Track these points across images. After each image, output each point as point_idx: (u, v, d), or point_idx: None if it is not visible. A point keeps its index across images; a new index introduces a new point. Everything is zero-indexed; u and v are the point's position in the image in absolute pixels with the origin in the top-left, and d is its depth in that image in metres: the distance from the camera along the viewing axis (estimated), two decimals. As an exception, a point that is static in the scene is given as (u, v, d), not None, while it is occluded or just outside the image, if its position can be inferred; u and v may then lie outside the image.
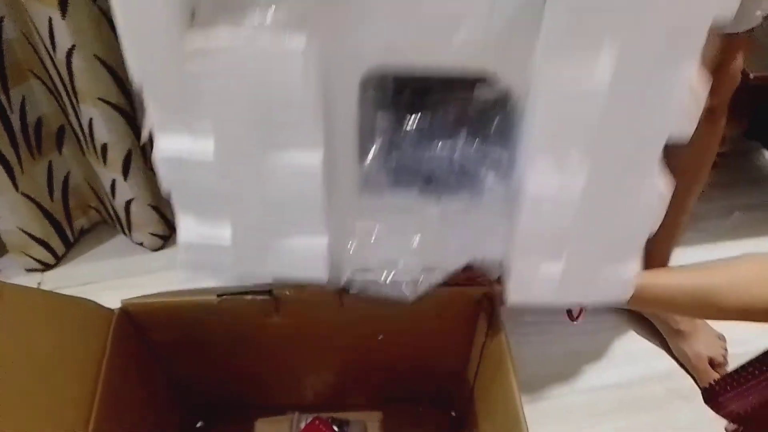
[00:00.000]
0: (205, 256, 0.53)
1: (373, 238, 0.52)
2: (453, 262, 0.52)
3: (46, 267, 1.12)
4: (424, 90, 0.50)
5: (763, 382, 0.57)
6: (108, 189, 1.05)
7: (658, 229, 0.49)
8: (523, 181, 0.47)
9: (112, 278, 1.09)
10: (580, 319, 0.62)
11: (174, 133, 0.46)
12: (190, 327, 0.68)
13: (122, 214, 1.09)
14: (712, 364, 0.89)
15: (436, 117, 0.49)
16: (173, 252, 0.52)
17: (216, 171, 0.47)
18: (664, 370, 0.92)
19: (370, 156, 0.49)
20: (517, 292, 0.53)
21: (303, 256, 0.53)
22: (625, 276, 0.52)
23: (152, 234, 1.12)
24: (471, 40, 0.43)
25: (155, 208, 1.10)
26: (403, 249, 0.51)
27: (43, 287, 1.05)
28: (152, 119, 0.46)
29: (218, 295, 0.64)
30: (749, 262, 0.56)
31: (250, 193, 0.49)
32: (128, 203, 1.06)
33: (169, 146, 0.47)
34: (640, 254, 0.52)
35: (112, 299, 0.64)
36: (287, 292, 0.65)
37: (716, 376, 0.87)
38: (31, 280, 1.08)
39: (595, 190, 0.46)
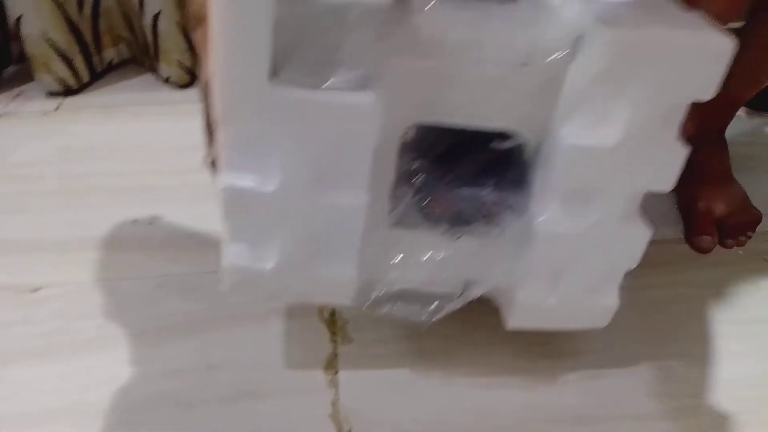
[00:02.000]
0: (246, 276, 0.57)
1: (400, 268, 0.59)
2: (469, 292, 0.60)
3: (68, 91, 1.09)
4: (454, 139, 0.58)
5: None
6: (136, 2, 1.04)
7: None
8: (536, 220, 0.56)
9: (132, 105, 1.08)
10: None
11: (240, 171, 0.52)
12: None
13: (150, 38, 1.08)
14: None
15: (462, 163, 0.58)
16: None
17: (273, 205, 0.53)
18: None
19: (405, 198, 0.57)
20: (518, 319, 0.62)
21: (334, 283, 0.59)
22: (605, 306, 0.62)
23: (179, 64, 1.11)
24: (497, 106, 0.53)
25: (184, 33, 1.09)
26: (426, 279, 0.59)
27: (61, 110, 1.06)
28: (221, 155, 0.52)
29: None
30: None
31: (299, 226, 0.55)
32: (155, 18, 1.05)
33: (235, 181, 0.52)
34: (617, 287, 0.62)
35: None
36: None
37: None
38: (50, 105, 1.08)
39: (593, 231, 0.56)
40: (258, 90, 0.47)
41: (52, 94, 1.09)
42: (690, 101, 0.52)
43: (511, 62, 0.51)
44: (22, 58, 1.10)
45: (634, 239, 0.58)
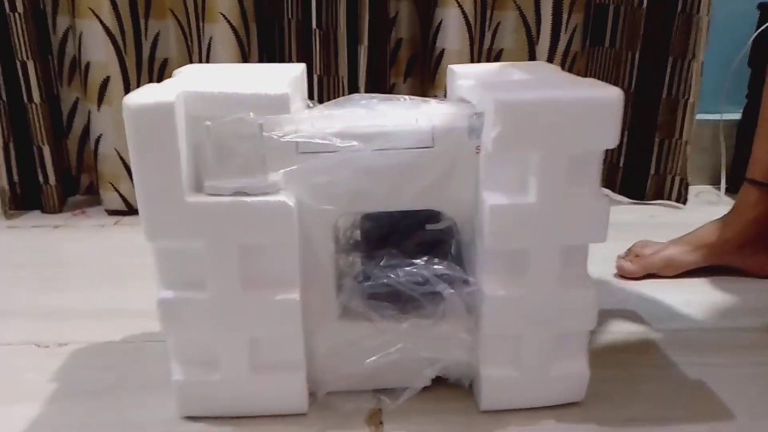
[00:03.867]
0: (196, 392, 0.58)
1: (353, 359, 0.59)
2: (427, 373, 0.59)
3: (129, 210, 1.15)
4: (389, 226, 0.60)
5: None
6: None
7: None
8: (478, 287, 0.56)
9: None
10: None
11: (174, 284, 0.55)
12: None
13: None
14: None
15: (400, 247, 0.59)
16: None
17: (210, 313, 0.54)
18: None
19: (346, 288, 0.58)
20: (489, 398, 0.59)
21: (284, 389, 0.59)
22: (576, 374, 0.60)
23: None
24: (416, 191, 0.55)
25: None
26: (381, 366, 0.58)
27: (119, 225, 1.13)
28: (157, 274, 0.55)
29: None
30: None
31: (239, 331, 0.56)
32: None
33: (170, 295, 0.54)
34: (585, 354, 0.60)
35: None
36: None
37: None
38: (109, 221, 1.14)
39: (536, 292, 0.56)
40: (178, 206, 0.51)
41: (112, 212, 1.15)
42: (596, 151, 0.53)
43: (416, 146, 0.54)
44: (90, 190, 1.20)
45: (582, 299, 0.57)
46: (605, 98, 0.50)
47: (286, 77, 0.55)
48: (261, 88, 0.51)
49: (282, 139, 0.52)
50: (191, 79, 0.55)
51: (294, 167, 0.53)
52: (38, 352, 0.73)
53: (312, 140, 0.53)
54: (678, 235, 0.91)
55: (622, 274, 0.89)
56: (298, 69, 0.60)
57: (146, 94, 0.49)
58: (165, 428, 0.59)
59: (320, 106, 0.57)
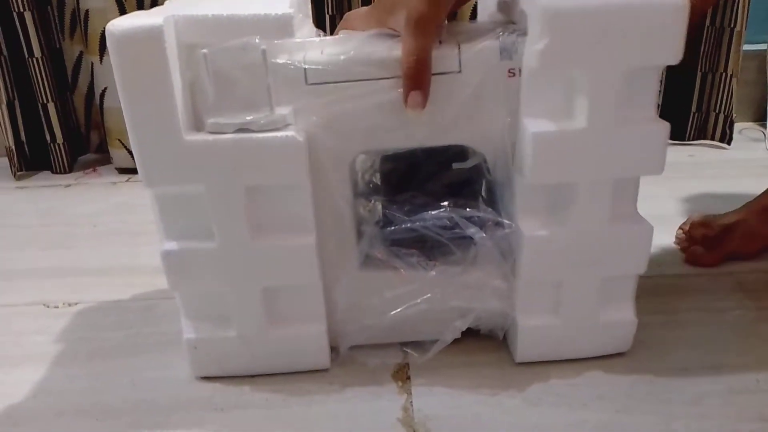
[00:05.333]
0: (209, 351, 0.54)
1: (376, 311, 0.54)
2: (457, 325, 0.54)
3: None
4: (411, 167, 0.54)
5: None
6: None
7: None
8: (517, 227, 0.50)
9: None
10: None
11: (178, 234, 0.50)
12: None
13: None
14: None
15: (424, 190, 0.53)
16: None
17: (219, 263, 0.50)
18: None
19: (366, 235, 0.53)
20: (525, 350, 0.54)
21: (304, 344, 0.54)
22: (621, 323, 0.54)
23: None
24: (441, 124, 0.49)
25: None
26: (408, 318, 0.54)
27: (130, 183, 1.09)
28: (159, 224, 0.50)
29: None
30: None
31: (251, 281, 0.51)
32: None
33: (174, 247, 0.49)
34: (632, 301, 0.54)
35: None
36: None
37: None
38: (120, 179, 1.11)
39: (582, 232, 0.49)
40: (176, 147, 0.45)
41: (122, 170, 1.11)
42: (655, 67, 0.46)
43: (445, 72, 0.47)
44: (101, 148, 1.15)
45: (634, 239, 0.51)
46: (669, 3, 0.43)
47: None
48: (260, 9, 0.45)
49: (289, 67, 0.46)
50: (182, 4, 0.49)
51: (303, 100, 0.47)
52: (46, 312, 0.70)
53: (323, 68, 0.47)
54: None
55: (696, 263, 0.72)
56: None
57: (132, 19, 0.43)
58: (178, 389, 0.55)
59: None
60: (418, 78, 0.45)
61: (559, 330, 0.53)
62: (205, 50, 0.45)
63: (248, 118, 0.46)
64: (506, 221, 0.51)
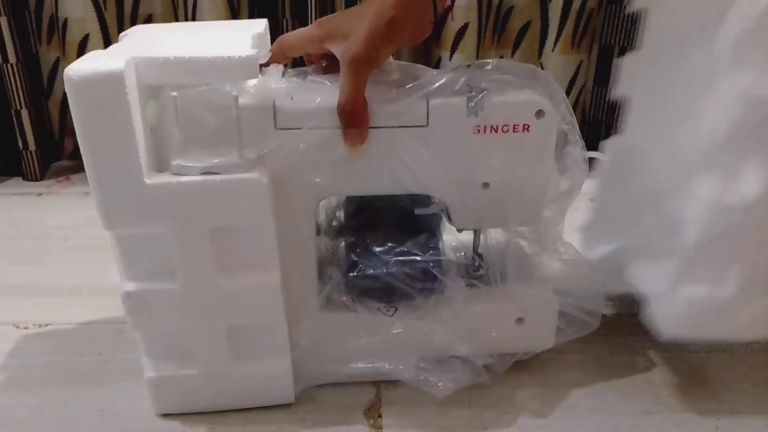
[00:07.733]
0: (172, 388, 0.53)
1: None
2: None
3: None
4: (374, 211, 0.54)
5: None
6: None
7: None
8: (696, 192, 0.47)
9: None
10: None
11: (140, 276, 0.49)
12: None
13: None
14: None
15: (386, 229, 0.53)
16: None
17: (182, 302, 0.49)
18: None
19: (331, 278, 0.53)
20: (677, 321, 0.49)
21: (269, 380, 0.54)
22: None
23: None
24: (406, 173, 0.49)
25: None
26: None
27: None
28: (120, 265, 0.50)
29: None
30: None
31: (216, 320, 0.51)
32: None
33: (136, 288, 0.49)
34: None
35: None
36: None
37: None
38: None
39: None
40: (138, 190, 0.45)
41: None
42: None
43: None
44: (75, 155, 1.14)
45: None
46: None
47: (249, 36, 0.47)
48: (223, 51, 0.44)
49: (259, 111, 0.46)
50: (141, 43, 0.48)
51: (272, 144, 0.47)
52: (16, 333, 0.69)
53: (293, 114, 0.46)
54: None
55: None
56: (261, 25, 0.52)
57: (91, 62, 0.42)
58: (148, 423, 0.55)
59: (294, 70, 0.50)
60: (352, 117, 0.46)
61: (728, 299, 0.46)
62: (174, 93, 0.45)
63: (215, 160, 0.46)
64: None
